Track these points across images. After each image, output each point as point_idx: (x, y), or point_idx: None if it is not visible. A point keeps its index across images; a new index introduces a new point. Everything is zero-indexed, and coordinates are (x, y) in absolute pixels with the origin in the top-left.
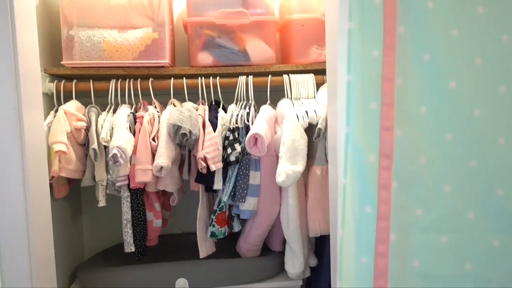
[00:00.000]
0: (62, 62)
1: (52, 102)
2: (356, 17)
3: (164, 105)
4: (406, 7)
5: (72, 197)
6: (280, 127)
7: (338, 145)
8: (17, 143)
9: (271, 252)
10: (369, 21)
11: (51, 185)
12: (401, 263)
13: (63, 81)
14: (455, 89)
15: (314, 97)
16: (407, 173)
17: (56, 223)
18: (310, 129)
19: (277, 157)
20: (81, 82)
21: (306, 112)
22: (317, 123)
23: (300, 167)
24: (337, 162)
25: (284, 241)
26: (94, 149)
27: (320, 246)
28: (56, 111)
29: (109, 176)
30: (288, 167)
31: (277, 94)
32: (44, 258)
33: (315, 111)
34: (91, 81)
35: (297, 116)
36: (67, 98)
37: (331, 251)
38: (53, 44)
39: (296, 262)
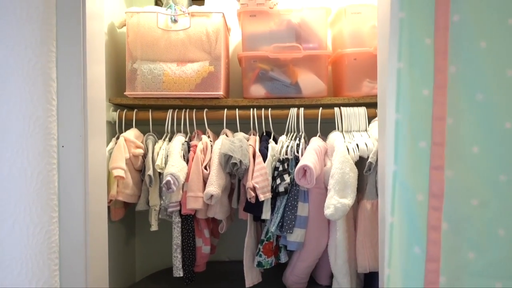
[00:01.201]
0: (125, 93)
1: (114, 130)
2: (405, 56)
3: (217, 134)
4: (458, 46)
5: (127, 220)
6: (330, 159)
7: (386, 182)
8: (81, 168)
9: (318, 286)
10: (419, 61)
11: (108, 208)
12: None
13: (125, 111)
14: (510, 129)
15: (366, 130)
16: (458, 215)
17: (111, 244)
18: (360, 162)
19: (326, 189)
20: (141, 111)
21: (357, 145)
22: (368, 157)
23: (349, 200)
24: (385, 197)
25: (331, 275)
26: (149, 175)
27: (369, 283)
28: (117, 138)
29: (162, 202)
30: (337, 200)
31: (328, 126)
32: (99, 277)
33: (366, 144)
34: (150, 110)
35: (348, 149)
36: (128, 126)
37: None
38: (117, 76)
39: None
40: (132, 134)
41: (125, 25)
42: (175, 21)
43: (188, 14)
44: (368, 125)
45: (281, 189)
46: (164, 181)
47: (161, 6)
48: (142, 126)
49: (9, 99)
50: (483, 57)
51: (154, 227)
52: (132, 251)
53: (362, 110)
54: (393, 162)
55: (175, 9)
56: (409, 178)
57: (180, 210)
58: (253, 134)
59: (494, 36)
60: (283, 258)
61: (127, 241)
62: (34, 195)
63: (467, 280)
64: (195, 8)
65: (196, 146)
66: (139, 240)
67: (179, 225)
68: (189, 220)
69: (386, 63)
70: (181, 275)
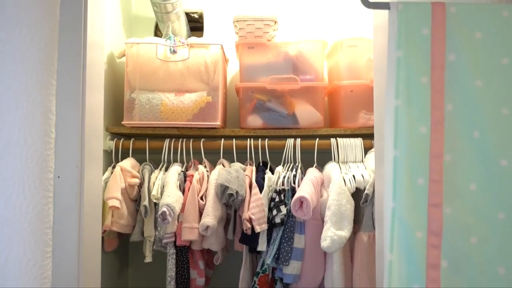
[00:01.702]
0: (123, 122)
1: (111, 158)
2: (403, 94)
3: (213, 164)
4: (454, 84)
5: (120, 251)
6: (326, 190)
7: (384, 217)
8: (77, 198)
9: None
10: (416, 99)
11: (102, 238)
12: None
13: (122, 140)
14: (506, 167)
15: (362, 161)
16: (457, 253)
17: (103, 275)
18: (357, 194)
19: (323, 220)
20: (138, 140)
21: (354, 176)
22: (364, 188)
23: (346, 232)
24: (383, 232)
25: None
26: (145, 206)
27: None
28: (114, 167)
29: (157, 233)
30: (334, 232)
31: (324, 156)
32: None
33: (362, 175)
34: (147, 139)
35: (344, 180)
36: (124, 155)
37: None
38: (115, 105)
39: None
40: (128, 163)
41: (124, 55)
42: (174, 52)
43: (187, 45)
44: (364, 156)
45: (278, 220)
46: (159, 212)
47: (161, 37)
48: (139, 155)
49: (8, 132)
50: (479, 95)
51: (148, 258)
52: (125, 282)
53: (359, 141)
54: (391, 198)
55: (174, 40)
56: (407, 215)
57: (175, 241)
58: (250, 164)
59: (489, 75)
60: None
61: (120, 272)
62: (29, 230)
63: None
64: (194, 39)
65: (192, 176)
66: (132, 271)
67: (174, 256)
68: (183, 252)
69: (382, 96)
70: None
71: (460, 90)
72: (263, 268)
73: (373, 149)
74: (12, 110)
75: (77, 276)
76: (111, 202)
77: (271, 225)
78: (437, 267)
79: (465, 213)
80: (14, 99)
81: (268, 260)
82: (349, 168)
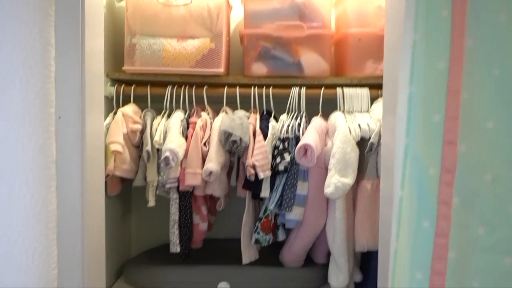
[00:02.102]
0: (123, 68)
1: (112, 105)
2: (421, 28)
3: (217, 112)
4: (476, 19)
5: (123, 196)
6: (331, 139)
7: (395, 157)
8: (78, 141)
9: (315, 264)
10: (436, 33)
11: (105, 183)
12: (458, 283)
13: (123, 86)
14: None
15: (368, 111)
16: (470, 190)
17: (107, 219)
18: (361, 143)
19: (326, 169)
20: (139, 87)
21: (359, 125)
22: (369, 137)
23: (350, 179)
24: (390, 176)
25: (328, 254)
26: (147, 151)
27: (365, 262)
28: (115, 113)
29: (159, 178)
30: (338, 179)
31: (330, 106)
32: (95, 249)
33: (368, 124)
34: (148, 86)
35: (349, 129)
36: (126, 101)
37: (378, 267)
38: (115, 51)
39: (340, 275)
40: (130, 109)
41: None
42: None
43: None
44: (370, 106)
45: (281, 167)
46: (162, 157)
47: None
48: (141, 103)
49: (6, 63)
50: (502, 32)
51: (151, 203)
52: (128, 227)
53: (365, 91)
54: (405, 135)
55: None
56: (421, 152)
57: (178, 187)
58: (254, 113)
59: None
60: (281, 236)
61: (123, 217)
62: (31, 163)
63: (477, 256)
64: None
65: (195, 123)
66: (135, 216)
67: (177, 201)
68: (186, 197)
69: (397, 37)
70: (178, 251)
71: (482, 26)
72: (266, 214)
73: (379, 99)
74: (11, 39)
75: (81, 213)
76: (113, 147)
77: (275, 172)
78: (449, 204)
79: (481, 150)
80: (12, 28)
81: (271, 206)
82: (355, 117)
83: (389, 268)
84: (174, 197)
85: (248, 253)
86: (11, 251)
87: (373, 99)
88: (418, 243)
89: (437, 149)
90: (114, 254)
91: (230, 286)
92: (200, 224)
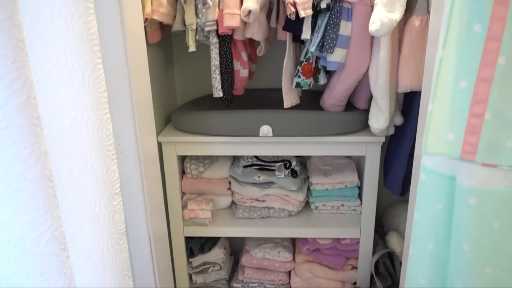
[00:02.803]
0: None
1: None
2: None
3: None
4: None
5: (164, 44)
6: None
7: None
8: None
9: (356, 109)
10: None
11: (145, 30)
12: (506, 89)
13: None
14: None
15: None
16: None
17: (151, 68)
18: None
19: (372, 7)
20: None
21: None
22: None
23: (397, 15)
24: (440, 10)
25: (370, 99)
26: None
27: (407, 106)
28: None
29: (198, 20)
30: (384, 15)
31: None
32: (143, 99)
33: None
34: None
35: None
36: None
37: (420, 109)
38: None
39: (380, 117)
40: None
41: None
42: None
43: None
44: None
45: (323, 5)
46: None
47: None
48: None
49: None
50: None
51: (192, 47)
52: (171, 77)
53: None
54: None
55: None
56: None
57: (217, 30)
58: None
59: None
60: (322, 80)
61: (166, 68)
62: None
63: None
64: None
65: None
66: (178, 67)
67: (217, 46)
68: (226, 41)
69: None
70: (221, 95)
71: None
72: (307, 57)
73: None
74: None
75: (126, 64)
76: None
77: (316, 12)
78: (492, 65)
79: None
80: None
81: (312, 48)
82: None
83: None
84: (214, 41)
85: (289, 97)
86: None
87: None
88: (468, 47)
89: None
90: (161, 103)
91: (272, 129)
92: (241, 71)
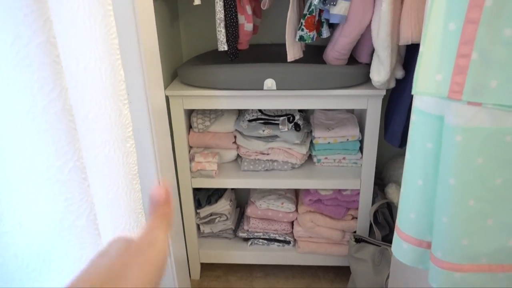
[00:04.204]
0: None
1: None
2: None
3: None
4: None
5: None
6: None
7: None
8: None
9: (358, 63)
10: None
11: None
12: (492, 30)
13: None
14: None
15: None
16: None
17: (157, 24)
18: None
19: None
20: None
21: None
22: None
23: None
24: None
25: (372, 54)
26: None
27: (409, 60)
28: None
29: None
30: None
31: None
32: (151, 52)
33: None
34: None
35: None
36: None
37: None
38: None
39: (382, 70)
40: None
41: None
42: None
43: None
44: None
45: None
46: None
47: None
48: None
49: None
50: None
51: (197, 1)
52: (177, 33)
53: None
54: None
55: None
56: None
57: None
58: None
59: None
60: (325, 33)
61: (172, 23)
62: None
63: None
64: None
65: None
66: (183, 23)
67: None
68: None
69: None
70: (226, 49)
71: None
72: (310, 10)
73: None
74: None
75: (134, 16)
76: None
77: None
78: (480, 7)
79: None
80: None
81: (315, 1)
82: None
83: None
84: None
85: (293, 51)
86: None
87: None
88: None
89: None
90: (168, 58)
91: (275, 83)
92: (246, 25)
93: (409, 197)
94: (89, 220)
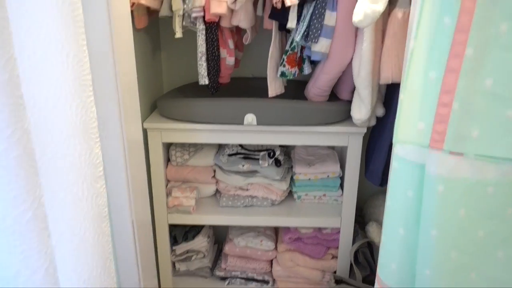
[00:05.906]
0: None
1: None
2: None
3: None
4: None
5: (151, 30)
6: None
7: None
8: None
9: (339, 100)
10: None
11: (132, 15)
12: (472, 80)
13: None
14: None
15: None
16: None
17: (137, 54)
18: None
19: None
20: None
21: None
22: None
23: (380, 6)
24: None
25: (353, 91)
26: None
27: (389, 98)
28: None
29: (185, 6)
30: (367, 6)
31: None
32: (129, 84)
33: None
34: None
35: None
36: None
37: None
38: None
39: (363, 108)
40: None
41: None
42: None
43: None
44: None
45: None
46: None
47: None
48: None
49: None
50: None
51: (178, 34)
52: (158, 64)
53: None
54: None
55: None
56: None
57: (204, 16)
58: None
59: None
60: (306, 70)
61: (153, 54)
62: None
63: (494, 53)
64: None
65: None
66: (165, 54)
67: (203, 32)
68: (213, 29)
69: None
70: (207, 82)
71: None
72: (292, 46)
73: None
74: None
75: (111, 45)
76: None
77: (302, 1)
78: (460, 57)
79: None
80: None
81: (297, 38)
82: None
83: None
84: (201, 28)
85: (274, 86)
86: None
87: None
88: (437, 39)
89: None
90: (147, 89)
91: (256, 118)
92: (227, 59)
93: (390, 246)
94: (48, 274)
